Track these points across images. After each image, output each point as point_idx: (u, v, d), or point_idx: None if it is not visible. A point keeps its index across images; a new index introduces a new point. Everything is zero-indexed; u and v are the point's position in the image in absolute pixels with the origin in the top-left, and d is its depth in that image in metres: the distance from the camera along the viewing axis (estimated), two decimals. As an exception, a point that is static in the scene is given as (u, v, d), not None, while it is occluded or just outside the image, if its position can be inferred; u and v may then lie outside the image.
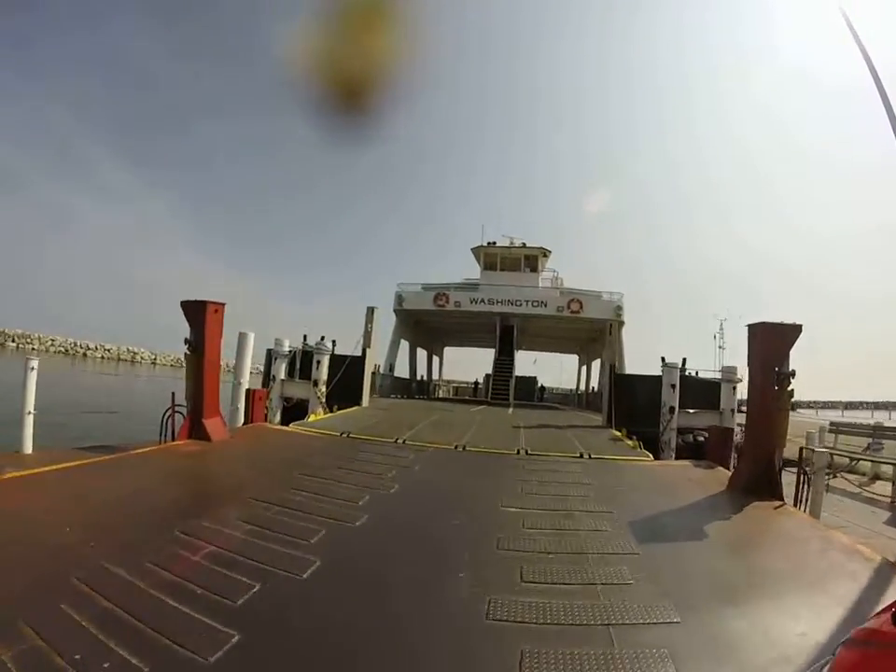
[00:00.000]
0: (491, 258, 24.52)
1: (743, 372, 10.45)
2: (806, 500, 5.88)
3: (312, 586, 2.96)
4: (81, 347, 72.15)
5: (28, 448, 6.90)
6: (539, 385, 33.40)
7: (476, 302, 22.21)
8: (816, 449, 7.16)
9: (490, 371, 24.05)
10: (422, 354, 29.57)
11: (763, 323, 5.88)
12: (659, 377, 11.05)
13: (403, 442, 7.72)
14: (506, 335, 22.80)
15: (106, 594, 2.66)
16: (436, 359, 33.70)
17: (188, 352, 7.34)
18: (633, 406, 11.57)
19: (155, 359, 77.24)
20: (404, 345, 24.58)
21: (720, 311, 44.27)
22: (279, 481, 5.21)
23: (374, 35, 3.48)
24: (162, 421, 7.30)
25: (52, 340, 69.36)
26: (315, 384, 11.18)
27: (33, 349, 61.43)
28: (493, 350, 23.35)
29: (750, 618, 2.82)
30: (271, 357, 11.77)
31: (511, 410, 17.19)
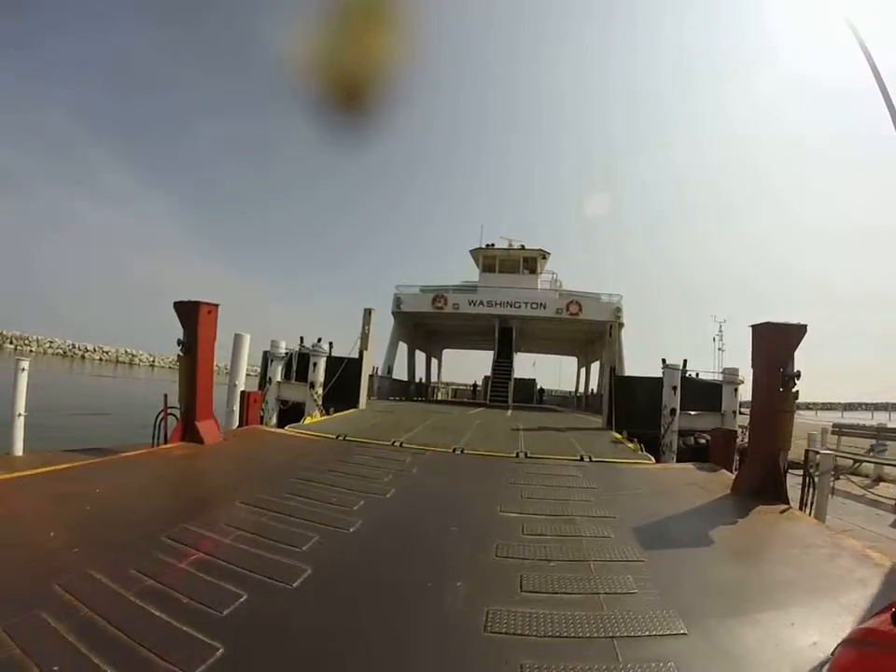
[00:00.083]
0: (490, 260, 24.43)
1: (745, 374, 10.40)
2: (812, 504, 5.77)
3: (302, 596, 2.83)
4: (79, 349, 72.07)
5: (18, 450, 6.80)
6: (539, 387, 33.33)
7: (475, 304, 22.11)
8: (821, 451, 7.05)
9: (489, 374, 23.95)
10: (421, 356, 29.47)
11: (768, 323, 5.76)
12: (659, 379, 10.96)
13: (400, 445, 7.59)
14: (505, 337, 22.71)
15: (88, 602, 2.55)
16: (434, 362, 33.59)
17: (181, 353, 7.21)
18: (633, 408, 11.45)
19: (153, 361, 77.16)
20: (403, 347, 24.47)
21: (719, 312, 44.33)
22: (272, 485, 5.07)
23: (374, 35, 3.42)
24: (155, 423, 7.18)
25: (51, 342, 69.29)
26: (312, 386, 11.05)
27: (31, 351, 61.35)
28: (492, 352, 23.25)
29: (760, 628, 2.69)
30: (267, 358, 11.64)
31: (509, 412, 17.07)
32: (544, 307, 21.87)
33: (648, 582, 3.15)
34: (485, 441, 8.54)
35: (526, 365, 34.56)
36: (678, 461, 9.53)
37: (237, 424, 9.33)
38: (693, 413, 10.66)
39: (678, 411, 10.39)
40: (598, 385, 23.48)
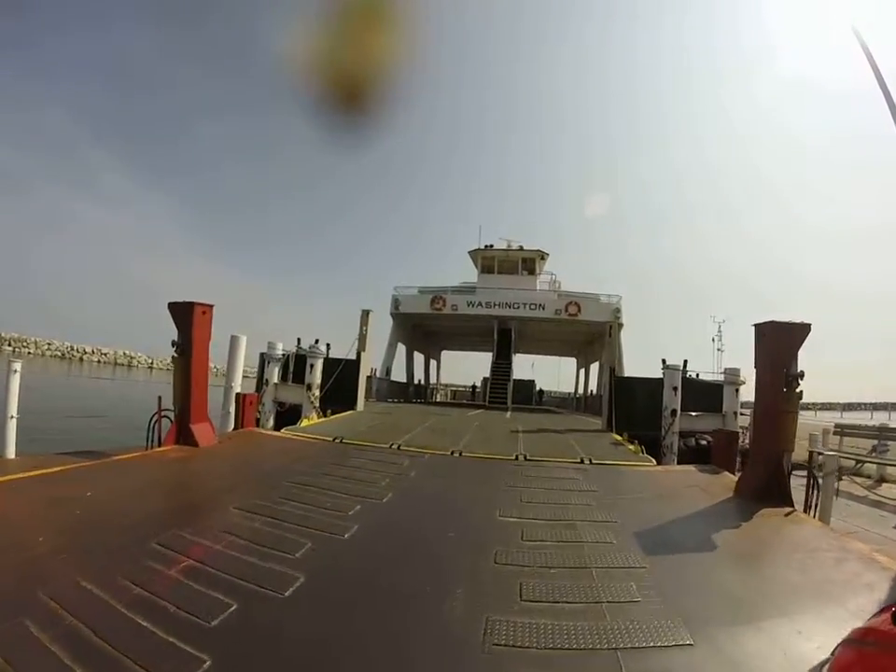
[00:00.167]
0: (488, 261, 24.38)
1: (745, 374, 10.32)
2: (816, 506, 5.68)
3: (293, 605, 2.73)
4: (78, 351, 71.96)
5: (10, 453, 6.74)
6: (538, 388, 33.27)
7: (473, 306, 22.04)
8: (825, 452, 6.97)
9: (488, 375, 23.88)
10: (419, 358, 29.41)
11: (771, 322, 5.67)
12: (659, 380, 10.86)
13: (398, 448, 7.50)
14: (503, 338, 22.66)
15: (74, 610, 2.47)
16: (433, 363, 33.51)
17: (175, 355, 7.12)
18: (633, 409, 11.36)
19: (152, 363, 77.04)
20: (401, 349, 24.39)
21: (719, 312, 44.35)
22: (266, 489, 4.97)
23: (374, 35, 3.39)
24: (149, 426, 7.09)
25: (49, 343, 69.22)
26: (309, 388, 10.95)
27: (29, 353, 61.34)
28: (490, 354, 23.17)
29: (767, 637, 2.61)
30: (264, 360, 11.54)
31: (509, 414, 16.99)
32: (543, 308, 21.82)
33: (651, 590, 3.06)
34: (484, 444, 8.45)
35: (525, 366, 34.60)
36: (679, 463, 9.44)
37: (233, 426, 9.22)
38: (693, 414, 10.57)
39: (678, 412, 10.30)
40: (598, 386, 23.40)
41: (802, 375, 5.57)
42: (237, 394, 9.54)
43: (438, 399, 30.97)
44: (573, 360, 33.45)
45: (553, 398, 34.33)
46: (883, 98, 5.49)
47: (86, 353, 72.59)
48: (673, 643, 2.51)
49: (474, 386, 33.43)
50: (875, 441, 12.21)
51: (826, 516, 5.70)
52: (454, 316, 22.44)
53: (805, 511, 5.52)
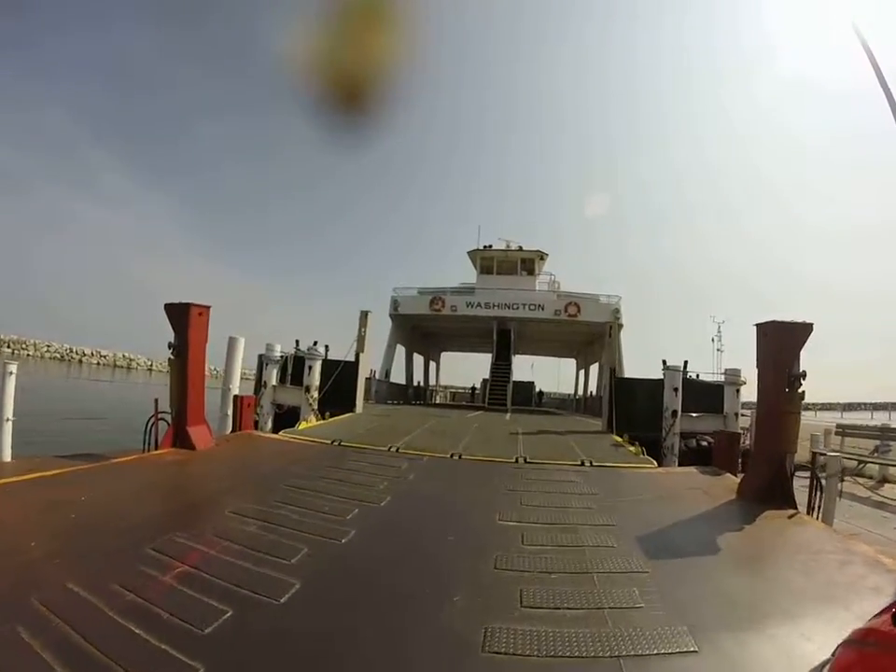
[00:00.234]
0: (487, 261, 24.35)
1: (746, 374, 10.28)
2: (819, 507, 5.63)
3: (289, 613, 2.67)
4: (77, 353, 71.88)
5: (6, 456, 6.68)
6: (538, 389, 33.22)
7: (472, 306, 22.02)
8: (828, 453, 6.91)
9: (487, 377, 23.82)
10: (419, 359, 29.37)
11: (773, 322, 5.62)
12: (660, 380, 10.82)
13: (397, 451, 7.44)
14: (503, 339, 22.62)
15: (66, 617, 2.43)
16: (433, 364, 33.47)
17: (171, 356, 7.07)
18: (633, 410, 11.33)
19: (151, 366, 76.95)
20: (401, 350, 24.35)
21: (718, 313, 44.35)
22: (263, 492, 4.92)
23: (374, 35, 3.37)
24: (146, 429, 7.03)
25: (48, 345, 69.11)
26: (307, 390, 10.89)
27: (28, 355, 61.25)
28: (490, 355, 23.12)
29: (772, 642, 2.55)
30: (262, 362, 11.49)
31: (508, 415, 16.94)
32: (542, 308, 21.79)
33: (654, 595, 3.00)
34: (484, 446, 8.40)
35: (525, 367, 34.57)
36: (680, 464, 9.40)
37: (231, 429, 9.17)
38: (694, 415, 10.53)
39: (679, 413, 10.25)
40: (598, 388, 23.36)
41: (804, 375, 5.52)
42: (235, 396, 9.48)
43: (437, 401, 30.92)
44: (573, 361, 33.43)
45: (553, 399, 34.29)
46: (884, 97, 5.45)
47: (85, 355, 72.51)
48: (677, 650, 2.45)
49: (474, 388, 33.39)
50: (878, 442, 12.16)
51: (829, 518, 5.65)
52: (453, 317, 22.41)
53: (808, 512, 5.47)
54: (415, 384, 27.80)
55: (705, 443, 9.95)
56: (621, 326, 20.65)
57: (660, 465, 8.39)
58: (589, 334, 23.83)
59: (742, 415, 10.85)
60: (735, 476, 6.81)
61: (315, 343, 11.61)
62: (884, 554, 3.97)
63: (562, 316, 21.46)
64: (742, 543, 4.31)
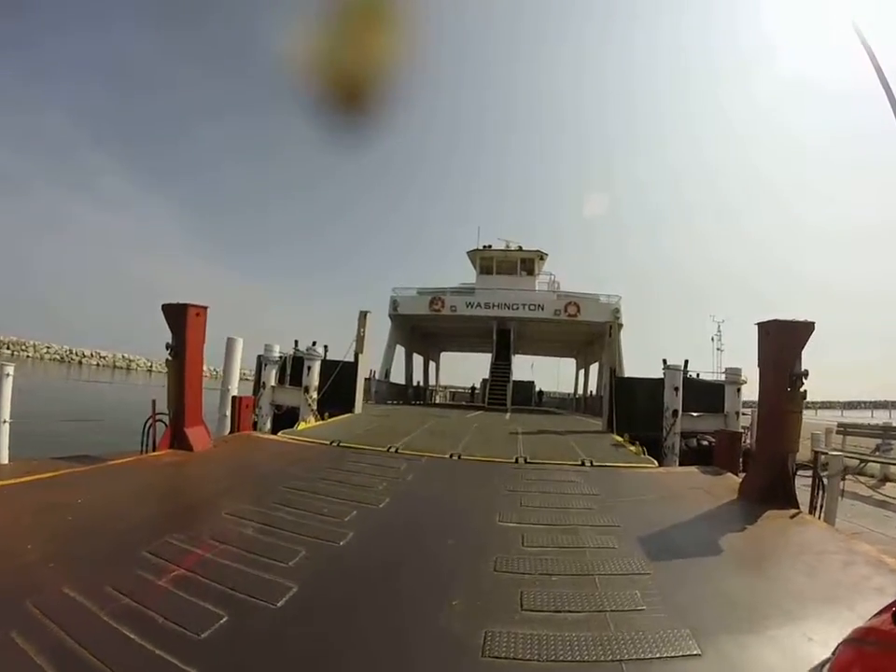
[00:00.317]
0: (487, 261, 24.31)
1: (747, 373, 10.23)
2: (821, 507, 5.60)
3: (285, 617, 2.64)
4: (77, 355, 71.79)
5: (3, 458, 6.64)
6: (538, 389, 33.17)
7: (472, 307, 21.98)
8: (830, 452, 6.88)
9: (487, 376, 23.78)
10: (418, 359, 29.33)
11: (775, 321, 5.59)
12: (660, 380, 10.78)
13: (396, 451, 7.40)
14: (502, 339, 22.58)
15: (61, 621, 2.40)
16: (433, 365, 33.43)
17: (169, 357, 7.04)
18: (634, 410, 11.29)
19: (151, 367, 76.82)
20: (400, 351, 24.31)
21: (718, 312, 44.37)
22: (260, 494, 4.89)
23: (374, 35, 3.35)
24: (144, 430, 6.99)
25: (47, 347, 68.99)
26: (306, 390, 10.85)
27: (27, 356, 61.17)
28: (490, 355, 23.08)
29: (776, 645, 2.52)
30: (261, 363, 11.45)
31: (508, 415, 16.90)
32: (542, 308, 21.75)
33: (656, 597, 2.96)
34: (483, 446, 8.36)
35: (525, 367, 34.50)
36: (680, 464, 9.36)
37: (229, 429, 9.13)
38: (695, 414, 10.48)
39: (680, 412, 10.21)
40: (598, 387, 23.33)
41: (806, 374, 5.49)
42: (233, 397, 9.45)
43: (437, 401, 30.87)
44: (573, 361, 33.39)
45: (553, 398, 34.24)
46: (884, 96, 5.41)
47: (85, 356, 72.43)
48: (679, 653, 2.42)
49: (473, 388, 33.33)
50: (879, 440, 12.14)
51: (831, 517, 5.62)
52: (452, 317, 22.37)
53: (810, 512, 5.44)
54: (415, 384, 27.76)
55: (706, 443, 9.90)
56: (621, 325, 20.61)
57: (661, 464, 8.36)
58: (589, 334, 23.79)
59: (743, 414, 10.81)
60: (737, 476, 6.78)
61: (314, 344, 11.58)
62: (887, 554, 3.94)
63: (562, 316, 21.42)
64: (744, 544, 4.28)
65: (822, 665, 1.69)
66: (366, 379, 14.10)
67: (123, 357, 77.56)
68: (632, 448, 8.78)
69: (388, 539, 4.05)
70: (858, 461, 9.71)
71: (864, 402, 46.30)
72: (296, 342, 11.99)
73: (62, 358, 68.82)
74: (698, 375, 11.64)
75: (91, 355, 73.68)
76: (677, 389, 10.37)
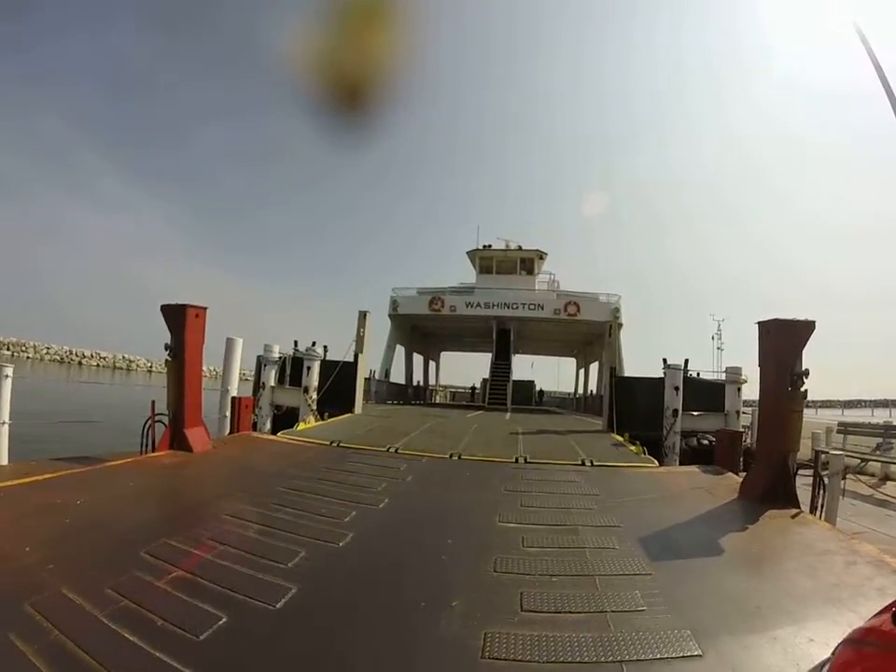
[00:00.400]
0: (486, 261, 24.30)
1: (747, 372, 10.21)
2: (822, 506, 5.58)
3: (284, 618, 2.63)
4: (77, 355, 71.74)
5: (3, 459, 6.62)
6: (538, 388, 33.15)
7: (472, 306, 21.95)
8: (831, 452, 6.86)
9: (487, 376, 23.76)
10: (418, 359, 29.30)
11: (776, 320, 5.58)
12: (660, 379, 10.76)
13: (396, 452, 7.39)
14: (502, 339, 22.57)
15: (59, 623, 2.40)
16: (433, 364, 33.41)
17: (168, 358, 7.03)
18: (634, 409, 11.26)
19: (151, 367, 76.78)
20: (400, 351, 24.29)
21: (718, 312, 44.33)
22: (260, 495, 4.88)
23: (374, 34, 3.35)
24: (143, 431, 6.98)
25: (47, 348, 68.97)
26: (306, 390, 10.84)
27: (28, 357, 61.13)
28: (490, 354, 23.06)
29: (778, 646, 2.51)
30: (261, 363, 11.43)
31: (508, 415, 16.87)
32: (542, 308, 21.73)
33: (657, 598, 2.95)
34: (483, 446, 8.35)
35: (525, 367, 34.49)
36: (681, 464, 9.34)
37: (229, 430, 9.11)
38: (695, 413, 10.46)
39: (680, 411, 10.20)
40: (598, 387, 23.31)
41: (807, 373, 5.47)
42: (233, 397, 9.43)
43: (437, 401, 30.84)
44: (573, 360, 33.38)
45: (554, 398, 34.24)
46: (885, 95, 5.39)
47: (85, 357, 72.40)
48: (680, 654, 2.41)
49: (473, 387, 33.34)
50: (880, 439, 12.12)
51: (832, 517, 5.59)
52: (452, 317, 22.34)
53: (811, 511, 5.42)
54: (415, 383, 27.73)
55: (706, 442, 9.89)
56: (620, 325, 20.61)
57: (661, 464, 8.35)
58: (589, 333, 23.79)
59: (743, 413, 10.79)
60: (737, 475, 6.76)
61: (314, 344, 11.56)
62: (888, 554, 3.93)
63: (561, 316, 21.40)
64: (745, 544, 4.27)
65: (822, 665, 1.67)
66: (366, 379, 14.08)
67: (123, 357, 77.52)
68: (632, 448, 8.76)
69: (388, 540, 4.04)
70: (858, 460, 9.70)
71: (865, 401, 46.39)
72: (295, 342, 11.98)
73: (62, 359, 68.80)
74: (698, 374, 11.62)
75: (92, 355, 73.64)
76: (677, 388, 10.35)
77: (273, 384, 11.12)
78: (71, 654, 2.19)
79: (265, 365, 11.15)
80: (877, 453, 11.38)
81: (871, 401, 44.03)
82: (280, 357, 11.30)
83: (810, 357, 5.57)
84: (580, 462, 7.10)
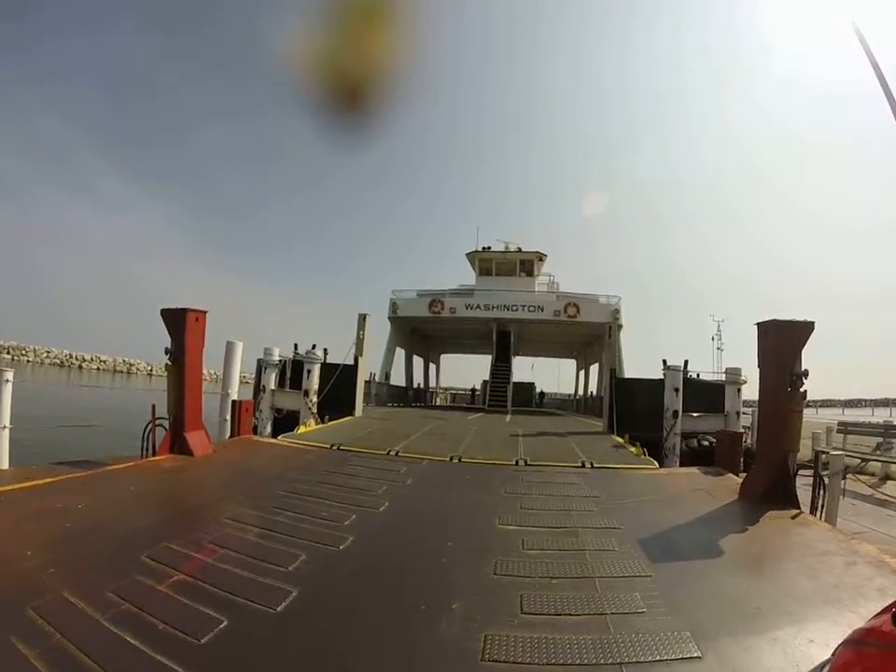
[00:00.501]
0: (486, 263, 24.27)
1: (747, 373, 10.21)
2: (823, 507, 5.58)
3: (285, 621, 2.63)
4: (77, 359, 71.72)
5: (3, 464, 6.62)
6: (539, 390, 33.13)
7: (471, 308, 21.93)
8: (831, 452, 6.86)
9: (488, 378, 23.75)
10: (419, 361, 29.27)
11: (774, 321, 5.59)
12: (660, 380, 10.75)
13: (396, 455, 7.40)
14: (502, 341, 22.54)
15: (61, 627, 2.41)
16: (433, 367, 33.37)
17: (168, 362, 7.03)
18: (634, 411, 11.27)
19: (151, 370, 76.75)
20: (400, 353, 24.28)
21: (718, 312, 44.40)
22: (260, 498, 4.88)
23: (374, 34, 3.36)
24: (143, 435, 6.99)
25: (47, 351, 68.97)
26: (306, 393, 10.84)
27: (28, 361, 61.12)
28: (490, 356, 23.05)
29: (778, 647, 2.51)
30: (261, 366, 11.43)
31: (508, 416, 16.87)
32: (542, 310, 21.71)
33: (657, 600, 2.96)
34: (484, 449, 8.35)
35: (525, 368, 34.46)
36: (681, 465, 9.33)
37: (229, 434, 9.12)
38: (695, 414, 10.45)
39: (680, 413, 10.19)
40: (598, 388, 23.30)
41: (806, 374, 5.48)
42: (233, 401, 9.43)
43: (437, 403, 30.82)
44: (573, 362, 33.35)
45: (554, 399, 34.19)
46: (884, 96, 5.40)
47: (85, 360, 72.38)
48: (680, 656, 2.41)
49: (474, 389, 33.29)
50: (880, 439, 12.11)
51: (832, 517, 5.59)
52: (452, 319, 22.31)
53: (811, 512, 5.42)
54: (415, 386, 27.72)
55: (706, 443, 9.88)
56: (620, 326, 20.60)
57: (661, 465, 8.34)
58: (588, 335, 23.76)
59: (743, 414, 10.78)
60: (738, 476, 6.77)
61: (314, 347, 11.56)
62: (888, 554, 3.93)
63: (561, 317, 21.37)
64: (745, 545, 4.27)
65: (822, 666, 1.67)
66: (366, 382, 14.08)
67: (123, 361, 77.46)
68: (632, 449, 8.76)
69: (388, 543, 4.05)
70: (859, 460, 9.69)
71: (865, 400, 46.34)
72: (295, 345, 11.98)
73: (62, 363, 68.78)
74: (698, 375, 11.62)
75: (92, 359, 73.59)
76: (677, 390, 10.34)
77: (273, 387, 11.12)
78: (73, 658, 2.20)
79: (265, 368, 11.15)
80: (877, 452, 11.37)
81: (871, 400, 43.99)
82: (280, 361, 11.31)
83: (810, 357, 5.58)
84: (580, 464, 7.11)
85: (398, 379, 23.92)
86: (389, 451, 7.54)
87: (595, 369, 26.86)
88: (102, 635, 2.39)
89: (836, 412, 34.59)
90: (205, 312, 7.17)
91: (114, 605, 2.66)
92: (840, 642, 1.46)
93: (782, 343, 5.54)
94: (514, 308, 21.66)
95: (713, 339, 31.44)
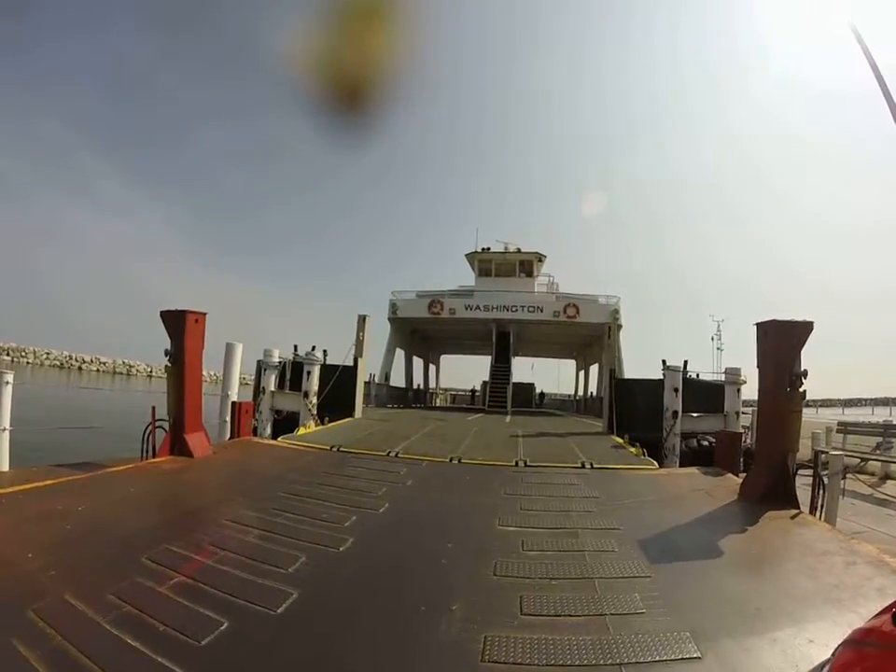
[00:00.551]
0: (485, 263, 24.28)
1: (747, 373, 10.21)
2: (822, 507, 5.59)
3: (285, 623, 2.64)
4: (76, 360, 71.73)
5: (4, 466, 6.63)
6: (539, 390, 33.13)
7: (471, 309, 21.95)
8: (831, 452, 6.87)
9: (487, 379, 23.75)
10: (419, 362, 29.27)
11: (774, 321, 5.60)
12: (660, 381, 10.74)
13: (396, 456, 7.40)
14: (502, 341, 22.53)
15: (62, 629, 2.41)
16: (432, 367, 33.37)
17: (168, 364, 7.04)
18: (633, 411, 11.27)
19: (151, 372, 76.71)
20: (400, 354, 24.28)
21: (717, 312, 44.42)
22: (260, 500, 4.89)
23: (374, 34, 3.36)
24: (143, 437, 6.99)
25: (47, 353, 69.00)
26: (306, 395, 10.84)
27: (27, 363, 61.14)
28: (490, 357, 23.05)
29: (778, 647, 2.51)
30: (260, 368, 11.43)
31: (508, 417, 16.86)
32: (541, 310, 21.72)
33: (656, 600, 2.96)
34: (484, 450, 8.35)
35: (525, 369, 34.48)
36: (681, 465, 9.32)
37: (229, 435, 9.12)
38: (695, 415, 10.45)
39: (680, 413, 10.19)
40: (598, 388, 23.31)
41: (805, 374, 5.48)
42: (233, 402, 9.44)
43: (437, 404, 30.82)
44: (572, 362, 33.36)
45: (554, 400, 34.20)
46: (882, 96, 5.41)
47: (84, 362, 72.39)
48: (679, 657, 2.42)
49: (474, 390, 33.29)
50: (880, 438, 12.11)
51: (832, 517, 5.60)
52: (452, 320, 22.31)
53: (810, 512, 5.43)
54: (415, 387, 27.71)
55: (706, 443, 9.89)
56: (620, 326, 20.61)
57: (661, 466, 8.33)
58: (588, 335, 23.75)
59: (743, 413, 10.78)
60: (737, 476, 6.77)
61: (314, 348, 11.56)
62: (888, 554, 3.93)
63: (561, 318, 21.38)
64: (745, 545, 4.27)
65: (822, 666, 1.68)
66: (365, 383, 14.08)
67: (123, 362, 77.46)
68: (632, 450, 8.76)
69: (388, 544, 4.05)
70: (858, 460, 9.69)
71: (865, 399, 46.31)
72: (295, 346, 11.98)
73: (61, 364, 68.80)
74: (698, 375, 11.62)
75: (91, 360, 73.63)
76: (676, 390, 10.33)
77: (273, 388, 11.13)
78: (73, 660, 2.20)
79: (265, 370, 11.15)
80: (877, 452, 11.37)
81: (871, 399, 43.99)
82: (280, 362, 11.31)
83: (810, 357, 5.58)
84: (580, 465, 7.11)
85: (397, 380, 23.95)
86: (389, 452, 7.55)
87: (594, 369, 26.87)
88: (103, 637, 2.40)
89: (836, 411, 34.59)
90: (205, 313, 7.17)
91: (115, 607, 2.66)
92: (840, 642, 1.46)
93: (781, 343, 5.55)
94: (514, 309, 21.67)
95: (713, 339, 31.51)
